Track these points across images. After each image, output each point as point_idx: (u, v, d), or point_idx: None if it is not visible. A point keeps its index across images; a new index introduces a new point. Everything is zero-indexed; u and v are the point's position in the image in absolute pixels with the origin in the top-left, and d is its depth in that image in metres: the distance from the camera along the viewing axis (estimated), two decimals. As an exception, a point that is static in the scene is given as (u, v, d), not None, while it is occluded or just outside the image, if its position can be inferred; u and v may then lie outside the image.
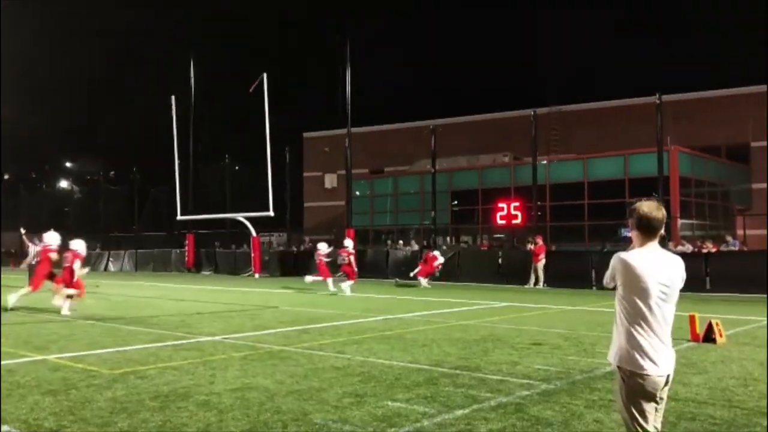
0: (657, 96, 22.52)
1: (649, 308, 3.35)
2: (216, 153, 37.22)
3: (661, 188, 22.50)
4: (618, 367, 3.44)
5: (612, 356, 3.48)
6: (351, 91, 30.07)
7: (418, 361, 8.09)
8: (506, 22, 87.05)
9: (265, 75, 29.23)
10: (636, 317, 3.37)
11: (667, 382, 3.39)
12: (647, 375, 3.33)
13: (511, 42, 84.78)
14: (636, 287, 3.36)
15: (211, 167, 36.77)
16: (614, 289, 3.56)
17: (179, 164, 33.53)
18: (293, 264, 30.79)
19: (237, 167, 36.95)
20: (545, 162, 29.20)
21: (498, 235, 31.47)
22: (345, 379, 7.01)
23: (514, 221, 28.48)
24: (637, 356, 3.35)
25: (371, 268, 28.25)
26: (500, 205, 29.37)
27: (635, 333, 3.37)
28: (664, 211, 3.45)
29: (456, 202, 34.76)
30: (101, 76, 71.77)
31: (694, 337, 9.66)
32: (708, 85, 38.29)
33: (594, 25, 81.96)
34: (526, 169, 29.60)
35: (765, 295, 18.02)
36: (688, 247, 21.60)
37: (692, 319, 9.84)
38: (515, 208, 28.56)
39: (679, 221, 26.85)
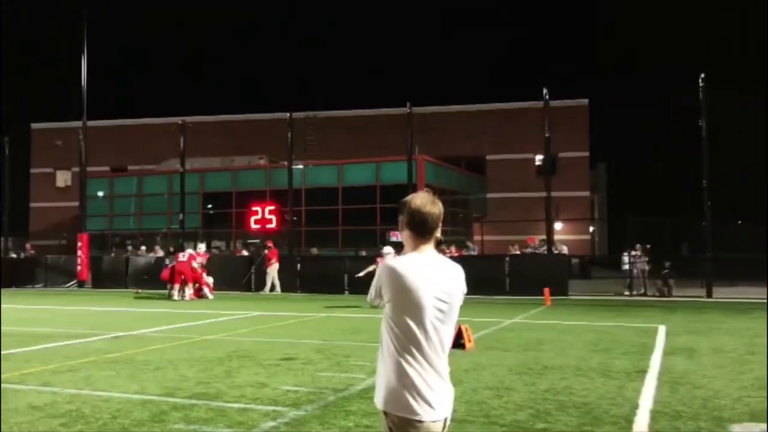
0: (408, 106, 23.23)
1: (424, 331, 2.59)
2: None
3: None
4: (384, 412, 2.60)
5: (378, 398, 2.63)
6: (88, 78, 26.82)
7: (146, 390, 6.73)
8: (270, 19, 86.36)
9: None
10: (407, 344, 2.58)
11: (444, 426, 2.63)
12: (421, 422, 2.54)
13: (269, 40, 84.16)
14: (407, 304, 2.58)
15: None
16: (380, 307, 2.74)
17: None
18: (14, 273, 26.58)
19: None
20: (301, 166, 28.78)
21: (253, 240, 30.39)
22: (42, 422, 5.47)
23: (269, 225, 27.58)
24: (409, 398, 2.54)
25: (108, 277, 25.42)
26: (255, 208, 28.29)
27: (406, 366, 2.57)
28: (441, 206, 2.73)
29: (210, 205, 32.94)
30: None
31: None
32: (449, 100, 41.15)
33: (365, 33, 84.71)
34: (282, 172, 28.91)
35: (504, 297, 19.33)
36: (451, 251, 22.51)
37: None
38: (270, 212, 27.69)
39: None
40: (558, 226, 22.18)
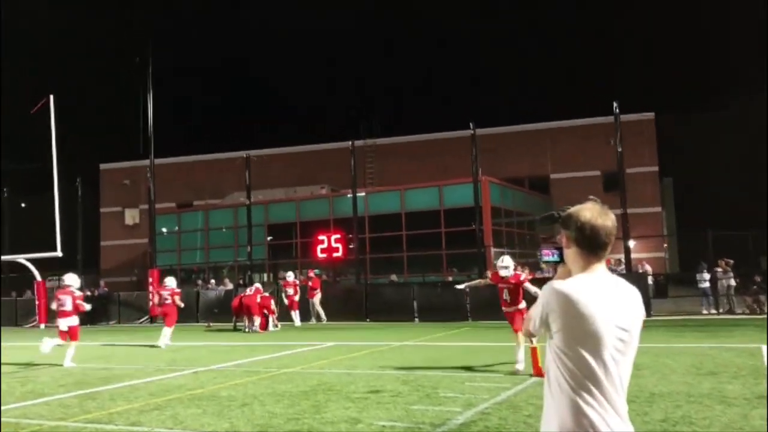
0: (471, 128, 22.87)
1: (603, 365, 2.21)
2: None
3: (477, 217, 22.79)
4: (561, 459, 2.21)
5: None
6: (153, 118, 27.51)
7: (236, 428, 6.49)
8: (323, 52, 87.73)
9: (51, 97, 25.78)
10: (584, 380, 2.20)
11: None
12: (603, 468, 2.15)
13: (325, 72, 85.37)
14: (582, 334, 2.20)
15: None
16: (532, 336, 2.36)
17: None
18: (88, 310, 27.18)
19: (19, 202, 32.37)
20: (363, 194, 28.67)
21: (316, 270, 30.37)
22: (138, 467, 5.25)
23: (335, 254, 27.47)
24: (590, 442, 2.16)
25: (179, 311, 25.65)
26: (320, 237, 28.26)
27: (583, 405, 2.19)
28: (613, 218, 2.36)
29: (271, 237, 33.16)
30: None
31: (538, 372, 9.00)
32: (509, 120, 40.54)
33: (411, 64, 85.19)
34: (344, 200, 28.87)
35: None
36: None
37: (534, 351, 9.20)
38: (336, 241, 27.61)
39: (493, 250, 27.51)
40: (630, 243, 21.24)
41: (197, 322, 24.43)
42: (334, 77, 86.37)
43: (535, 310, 2.33)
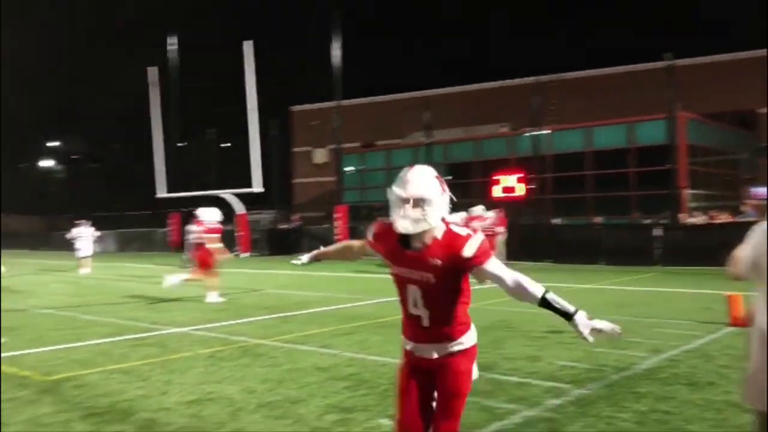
0: (668, 59, 21.07)
1: None
2: (200, 128, 35.63)
3: (672, 157, 21.21)
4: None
5: (754, 397, 2.10)
6: (341, 61, 28.54)
7: (418, 357, 6.76)
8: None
9: (248, 43, 27.56)
10: None
11: None
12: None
13: (504, 6, 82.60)
14: None
15: (195, 143, 35.19)
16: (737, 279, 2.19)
17: (162, 140, 31.92)
18: (282, 242, 29.47)
19: (222, 143, 35.43)
20: (546, 132, 27.73)
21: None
22: (329, 385, 5.69)
23: (514, 194, 27.09)
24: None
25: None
26: (500, 177, 27.96)
27: None
28: None
29: (450, 177, 33.36)
30: (79, 48, 69.23)
31: (736, 321, 8.36)
32: (710, 50, 36.64)
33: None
34: (525, 139, 28.14)
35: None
36: (701, 219, 20.32)
37: (733, 299, 8.54)
38: (516, 180, 27.17)
39: (688, 192, 25.54)
40: None
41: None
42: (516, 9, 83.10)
43: (743, 252, 2.16)
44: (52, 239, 39.84)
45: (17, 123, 53.29)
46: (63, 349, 7.51)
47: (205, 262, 11.81)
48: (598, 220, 24.36)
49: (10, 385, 5.81)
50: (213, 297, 11.78)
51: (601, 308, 10.50)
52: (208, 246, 11.85)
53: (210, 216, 12.15)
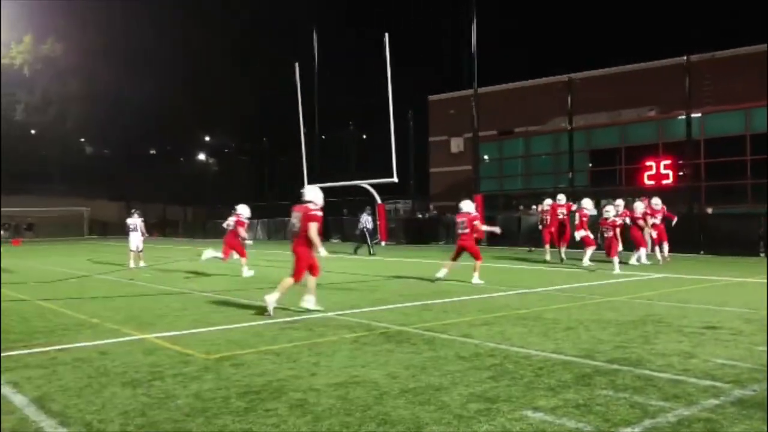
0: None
1: None
2: (341, 120, 36.71)
3: None
4: None
5: None
6: (476, 47, 28.26)
7: (562, 350, 6.60)
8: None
9: (387, 35, 28.00)
10: None
11: None
12: None
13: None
14: None
15: (336, 134, 36.32)
16: None
17: (305, 132, 33.28)
18: (419, 231, 29.78)
19: (362, 134, 36.31)
20: (699, 115, 25.93)
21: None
22: (472, 374, 5.69)
23: (664, 181, 25.59)
24: None
25: (501, 235, 26.63)
26: (648, 163, 26.50)
27: None
28: None
29: (591, 164, 32.07)
30: (228, 46, 73.20)
31: None
32: None
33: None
34: (675, 123, 26.50)
35: None
36: None
37: None
38: (665, 167, 25.64)
39: None
40: None
41: (517, 246, 25.11)
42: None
43: None
44: (208, 227, 42.78)
45: (177, 120, 57.67)
46: (220, 330, 8.07)
47: (235, 245, 15.33)
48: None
49: (176, 361, 6.33)
50: (246, 271, 15.33)
51: (763, 303, 9.71)
52: (240, 232, 15.34)
53: (244, 211, 15.60)
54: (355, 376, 5.64)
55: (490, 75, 38.61)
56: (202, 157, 57.92)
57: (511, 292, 11.54)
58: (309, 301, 9.42)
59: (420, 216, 33.48)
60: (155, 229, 42.19)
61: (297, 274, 9.13)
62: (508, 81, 43.89)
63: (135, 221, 18.77)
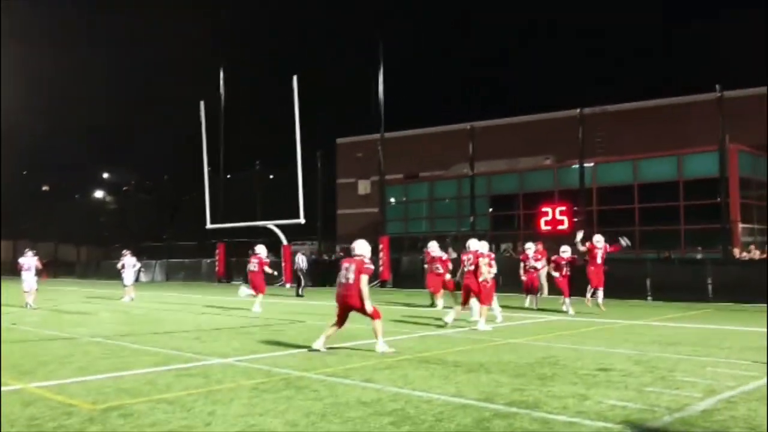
0: (718, 90, 20.69)
1: None
2: (246, 159, 36.29)
3: (723, 190, 20.66)
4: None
5: None
6: (384, 93, 28.85)
7: (463, 394, 6.64)
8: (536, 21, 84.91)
9: (295, 78, 28.12)
10: None
11: None
12: None
13: (547, 40, 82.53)
14: None
15: (241, 174, 35.83)
16: None
17: (209, 171, 32.61)
18: (326, 273, 29.57)
19: (268, 174, 35.97)
20: (591, 164, 27.42)
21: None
22: (372, 420, 5.61)
23: (559, 227, 26.73)
24: None
25: (407, 276, 26.87)
26: (544, 209, 27.66)
27: None
28: None
29: (491, 209, 33.12)
30: (130, 84, 71.56)
31: (796, 362, 8.02)
32: (762, 80, 35.79)
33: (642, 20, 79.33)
34: (570, 171, 27.88)
35: None
36: (756, 253, 19.68)
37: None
38: (561, 213, 26.82)
39: (740, 226, 24.82)
40: None
41: (423, 288, 25.33)
42: (559, 41, 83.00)
43: None
44: (102, 268, 40.77)
45: (73, 155, 55.12)
46: (109, 378, 7.60)
47: (258, 283, 16.93)
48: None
49: (57, 412, 5.89)
50: (257, 307, 16.59)
51: (650, 346, 10.19)
52: (266, 270, 17.19)
53: (262, 251, 17.28)
54: (252, 425, 5.43)
55: (397, 120, 39.43)
56: (99, 194, 55.56)
57: (414, 335, 11.57)
58: (382, 345, 9.54)
59: (326, 258, 33.31)
60: (45, 269, 39.86)
61: (375, 314, 9.48)
62: (414, 127, 44.98)
63: (29, 260, 18.03)
